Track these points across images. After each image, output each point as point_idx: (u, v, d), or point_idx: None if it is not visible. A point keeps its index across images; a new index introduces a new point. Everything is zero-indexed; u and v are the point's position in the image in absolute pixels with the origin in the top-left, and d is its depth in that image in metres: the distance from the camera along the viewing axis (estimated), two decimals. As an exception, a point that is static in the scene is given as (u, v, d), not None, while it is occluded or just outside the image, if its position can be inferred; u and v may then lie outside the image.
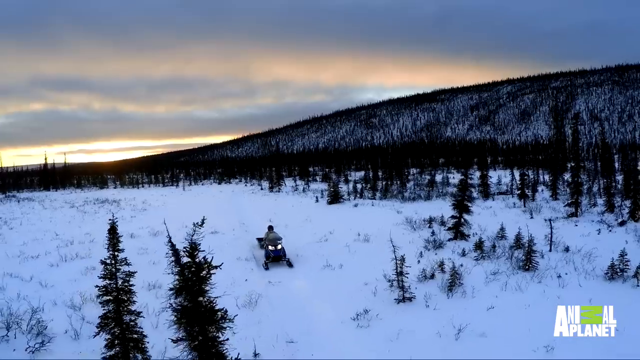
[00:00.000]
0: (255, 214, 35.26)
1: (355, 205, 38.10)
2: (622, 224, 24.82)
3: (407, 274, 13.98)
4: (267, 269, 18.17)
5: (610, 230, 23.19)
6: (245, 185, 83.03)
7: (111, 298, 8.32)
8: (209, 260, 7.47)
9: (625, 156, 59.88)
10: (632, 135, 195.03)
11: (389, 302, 13.76)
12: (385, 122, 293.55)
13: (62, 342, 10.75)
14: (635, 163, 53.29)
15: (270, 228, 20.87)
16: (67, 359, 10.01)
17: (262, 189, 67.68)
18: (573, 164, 31.30)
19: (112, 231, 8.50)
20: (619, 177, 49.58)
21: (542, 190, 44.87)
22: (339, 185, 44.13)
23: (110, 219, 9.09)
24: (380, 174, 68.37)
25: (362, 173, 76.03)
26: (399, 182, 58.39)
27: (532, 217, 27.62)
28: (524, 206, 33.59)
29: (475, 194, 34.23)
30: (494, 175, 57.76)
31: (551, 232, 19.89)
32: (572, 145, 33.71)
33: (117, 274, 8.45)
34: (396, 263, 14.01)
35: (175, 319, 7.31)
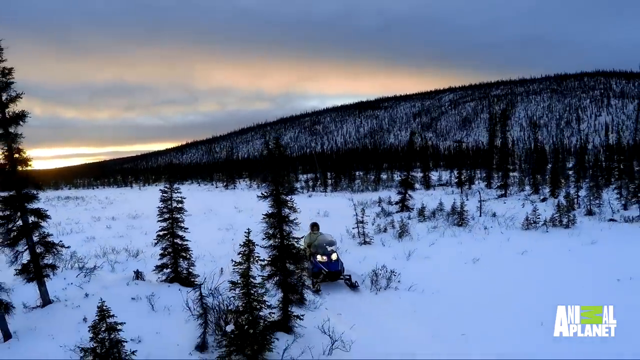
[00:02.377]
0: (219, 203, 38.91)
1: (310, 196, 42.67)
2: (543, 200, 30.17)
3: (365, 223, 18.35)
4: (318, 291, 11.94)
5: (532, 204, 28.23)
6: (199, 185, 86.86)
7: (167, 217, 11.84)
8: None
9: (557, 156, 66.78)
10: (569, 140, 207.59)
11: (353, 244, 18.05)
12: (329, 129, 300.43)
13: (103, 273, 14.06)
14: (564, 161, 60.43)
15: (315, 227, 14.08)
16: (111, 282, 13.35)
17: (216, 187, 71.43)
18: (499, 162, 36.71)
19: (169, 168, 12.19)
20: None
21: (479, 182, 50.42)
22: (292, 182, 48.42)
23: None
24: (328, 175, 72.77)
25: (311, 175, 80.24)
26: (347, 180, 62.89)
27: (467, 199, 32.51)
28: (461, 192, 38.64)
29: (418, 186, 39.34)
30: (435, 175, 63.37)
31: (480, 203, 24.88)
32: (501, 147, 39.19)
33: (172, 199, 11.93)
34: (356, 217, 18.39)
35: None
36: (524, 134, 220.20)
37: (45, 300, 9.75)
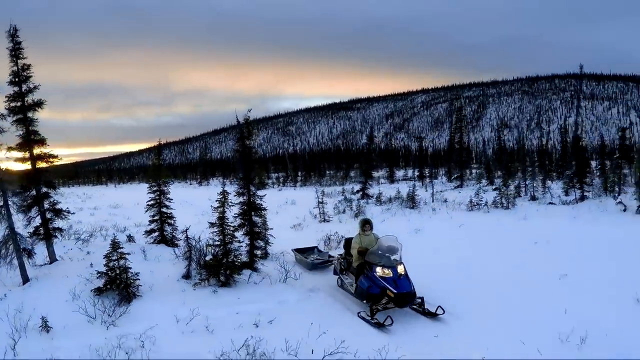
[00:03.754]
0: (194, 196, 41.39)
1: (280, 190, 45.43)
2: (495, 189, 33.07)
3: (325, 204, 21.05)
4: (376, 323, 8.47)
5: (485, 192, 31.20)
6: (173, 183, 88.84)
7: (155, 189, 14.40)
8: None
9: (523, 155, 70.87)
10: (539, 141, 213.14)
11: (314, 222, 20.78)
12: (302, 130, 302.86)
13: (98, 241, 16.25)
14: (524, 158, 64.17)
15: (367, 225, 10.44)
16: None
17: (190, 184, 73.78)
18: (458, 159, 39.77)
19: (156, 165, 14.71)
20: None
21: (441, 177, 53.57)
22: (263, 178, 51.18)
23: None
24: (299, 173, 75.64)
25: (283, 173, 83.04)
26: (317, 177, 65.62)
27: (426, 190, 35.48)
28: (422, 184, 41.63)
29: (383, 180, 42.34)
30: (403, 172, 66.68)
31: (432, 190, 27.78)
32: (459, 148, 42.44)
33: (160, 183, 14.46)
34: (318, 200, 21.09)
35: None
36: (494, 134, 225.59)
37: (53, 258, 12.11)
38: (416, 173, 54.03)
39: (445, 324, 8.43)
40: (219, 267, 9.78)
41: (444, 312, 8.69)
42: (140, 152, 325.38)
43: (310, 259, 12.80)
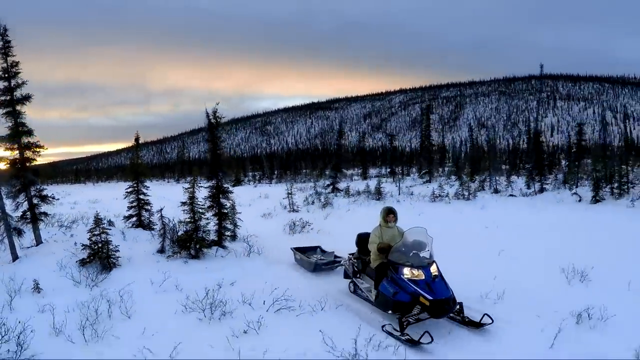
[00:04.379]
0: (171, 192, 42.34)
1: (255, 186, 46.85)
2: (462, 183, 34.74)
3: (294, 194, 22.50)
4: (408, 340, 6.80)
5: (451, 186, 32.89)
6: (151, 181, 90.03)
7: (134, 177, 15.65)
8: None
9: (494, 153, 73.31)
10: (515, 141, 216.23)
11: (284, 212, 22.20)
12: (280, 130, 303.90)
13: (80, 227, 17.44)
14: (494, 156, 66.59)
15: (391, 215, 8.58)
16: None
17: (168, 182, 74.99)
18: (429, 157, 41.42)
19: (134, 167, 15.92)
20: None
21: (414, 174, 55.28)
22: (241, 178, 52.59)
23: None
24: (275, 172, 77.17)
25: (260, 172, 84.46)
26: (292, 174, 67.02)
27: (397, 185, 37.04)
28: (393, 180, 43.21)
29: (356, 177, 43.91)
30: (377, 170, 68.27)
31: (399, 184, 29.29)
32: (427, 146, 44.21)
33: (138, 171, 15.72)
34: (288, 192, 22.54)
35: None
36: (472, 134, 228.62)
37: (39, 241, 13.26)
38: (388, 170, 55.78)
39: (493, 335, 6.91)
40: (189, 241, 11.14)
41: (493, 321, 6.98)
42: (119, 151, 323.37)
43: (313, 258, 11.31)
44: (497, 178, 30.86)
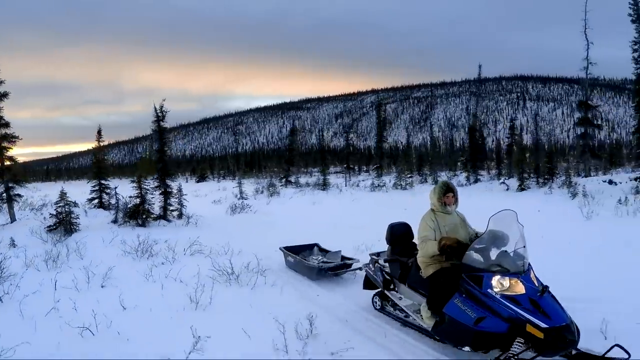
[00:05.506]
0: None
1: (219, 181, 49.60)
2: (399, 176, 37.85)
3: (243, 184, 25.23)
4: None
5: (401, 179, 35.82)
6: (120, 180, 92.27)
7: (96, 164, 18.20)
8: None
9: (439, 151, 76.93)
10: (485, 140, 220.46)
11: (234, 200, 24.73)
12: (252, 130, 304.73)
13: (50, 210, 20.14)
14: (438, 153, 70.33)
15: (449, 193, 5.78)
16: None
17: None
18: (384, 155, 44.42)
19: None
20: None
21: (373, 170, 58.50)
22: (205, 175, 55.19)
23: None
24: (242, 169, 79.89)
25: (224, 171, 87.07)
26: (257, 172, 69.73)
27: (345, 178, 40.00)
28: (348, 175, 46.18)
29: (316, 172, 46.75)
30: (340, 167, 71.37)
31: (345, 179, 32.10)
32: (378, 143, 47.21)
33: (100, 159, 18.29)
34: (238, 182, 25.26)
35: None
36: (441, 134, 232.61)
37: (13, 219, 15.71)
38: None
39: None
40: (137, 212, 13.79)
41: (629, 356, 4.28)
42: (90, 151, 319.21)
43: (313, 261, 8.88)
44: (438, 172, 33.94)
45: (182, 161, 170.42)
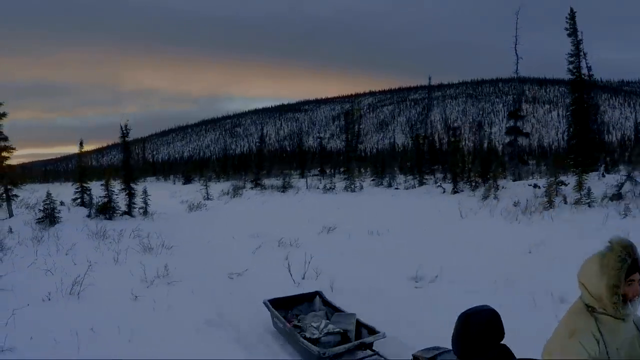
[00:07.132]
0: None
1: (216, 182, 53.49)
2: (349, 179, 41.93)
3: (209, 187, 29.53)
4: None
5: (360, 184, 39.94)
6: (115, 181, 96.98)
7: (80, 169, 22.38)
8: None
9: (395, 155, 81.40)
10: (481, 142, 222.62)
11: (200, 200, 28.94)
12: (250, 131, 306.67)
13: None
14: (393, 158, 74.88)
15: (637, 272, 2.13)
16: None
17: (144, 181, 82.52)
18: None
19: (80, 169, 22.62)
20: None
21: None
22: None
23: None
24: (229, 172, 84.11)
25: (211, 174, 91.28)
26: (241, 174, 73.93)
27: (320, 182, 44.06)
28: (322, 178, 50.30)
29: (296, 176, 50.91)
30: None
31: (307, 180, 36.31)
32: (346, 147, 51.13)
33: (82, 166, 22.49)
34: (205, 184, 29.57)
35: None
36: (437, 136, 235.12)
37: (11, 215, 19.89)
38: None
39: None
40: (105, 208, 18.08)
41: None
42: (88, 152, 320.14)
43: (312, 330, 5.64)
44: (391, 175, 38.08)
45: (179, 163, 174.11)
